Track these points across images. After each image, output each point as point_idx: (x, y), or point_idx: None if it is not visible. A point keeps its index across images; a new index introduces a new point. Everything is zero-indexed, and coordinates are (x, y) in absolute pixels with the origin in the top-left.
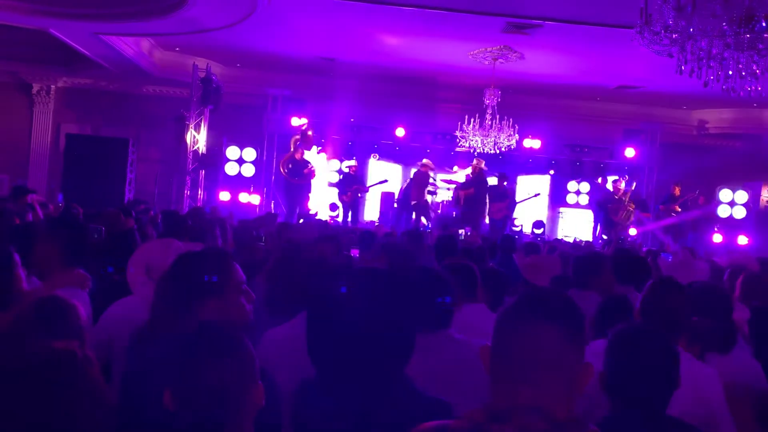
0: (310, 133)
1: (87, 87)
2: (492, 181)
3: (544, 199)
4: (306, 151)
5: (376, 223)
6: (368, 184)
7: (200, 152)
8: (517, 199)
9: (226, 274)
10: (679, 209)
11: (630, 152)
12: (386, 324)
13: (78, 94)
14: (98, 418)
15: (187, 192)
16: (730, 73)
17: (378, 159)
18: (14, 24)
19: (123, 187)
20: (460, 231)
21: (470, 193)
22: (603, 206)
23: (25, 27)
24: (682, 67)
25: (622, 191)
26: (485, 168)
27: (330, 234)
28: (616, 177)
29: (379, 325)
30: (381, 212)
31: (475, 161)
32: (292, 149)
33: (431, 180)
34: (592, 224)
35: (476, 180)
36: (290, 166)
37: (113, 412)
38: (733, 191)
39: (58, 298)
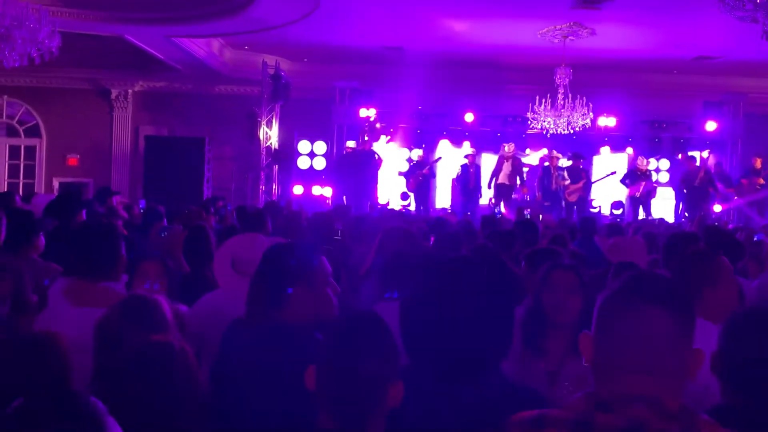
0: (378, 125)
1: (162, 90)
2: (565, 162)
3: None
4: (374, 143)
5: (449, 210)
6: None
7: (273, 148)
8: (593, 178)
9: (314, 266)
10: (764, 182)
11: (711, 125)
12: (487, 316)
13: (153, 96)
14: (195, 406)
15: (262, 187)
16: None
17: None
18: (92, 32)
19: (201, 185)
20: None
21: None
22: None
23: (102, 35)
24: None
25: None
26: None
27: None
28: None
29: (480, 317)
30: (453, 199)
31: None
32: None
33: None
34: (674, 202)
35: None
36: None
37: (207, 401)
38: None
39: (143, 296)
